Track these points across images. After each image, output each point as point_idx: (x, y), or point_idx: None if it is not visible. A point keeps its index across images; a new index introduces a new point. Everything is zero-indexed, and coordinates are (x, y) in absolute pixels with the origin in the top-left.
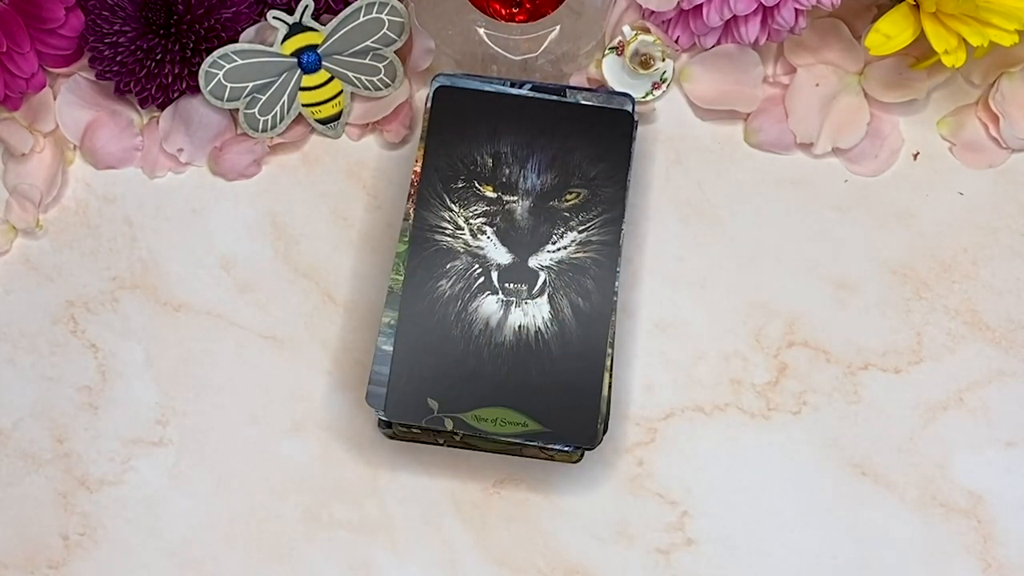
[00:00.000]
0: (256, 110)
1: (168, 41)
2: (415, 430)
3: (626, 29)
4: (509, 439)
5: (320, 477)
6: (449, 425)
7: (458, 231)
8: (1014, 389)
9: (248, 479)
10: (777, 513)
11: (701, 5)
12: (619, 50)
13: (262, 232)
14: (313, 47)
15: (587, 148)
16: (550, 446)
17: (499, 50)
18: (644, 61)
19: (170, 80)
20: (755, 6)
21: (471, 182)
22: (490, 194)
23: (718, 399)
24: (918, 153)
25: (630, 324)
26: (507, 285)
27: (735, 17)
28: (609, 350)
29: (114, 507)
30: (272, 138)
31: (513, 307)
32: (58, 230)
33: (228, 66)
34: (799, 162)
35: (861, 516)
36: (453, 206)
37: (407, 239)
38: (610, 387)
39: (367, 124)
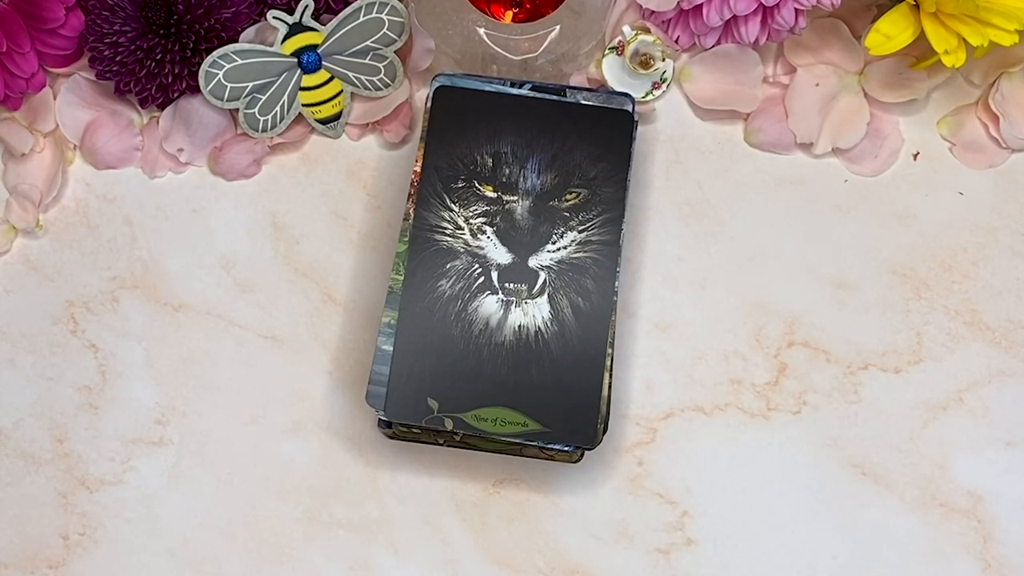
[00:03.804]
0: (256, 110)
1: (168, 41)
2: (415, 430)
3: (626, 29)
4: (509, 439)
5: (320, 477)
6: (449, 425)
7: (458, 231)
8: (1014, 389)
9: (248, 479)
10: (777, 513)
11: (701, 5)
12: (619, 50)
13: (262, 232)
14: (313, 47)
15: (587, 148)
16: (550, 446)
17: (499, 50)
18: (644, 61)
19: (170, 80)
20: (755, 6)
21: (471, 182)
22: (490, 194)
23: (718, 399)
24: (918, 153)
25: (630, 324)
26: (507, 285)
27: (735, 17)
28: (609, 350)
29: (114, 507)
30: (272, 138)
31: (513, 307)
32: (58, 230)
33: (228, 66)
34: (799, 162)
35: (861, 516)
36: (453, 206)
37: (407, 239)
38: (610, 387)
39: (367, 124)
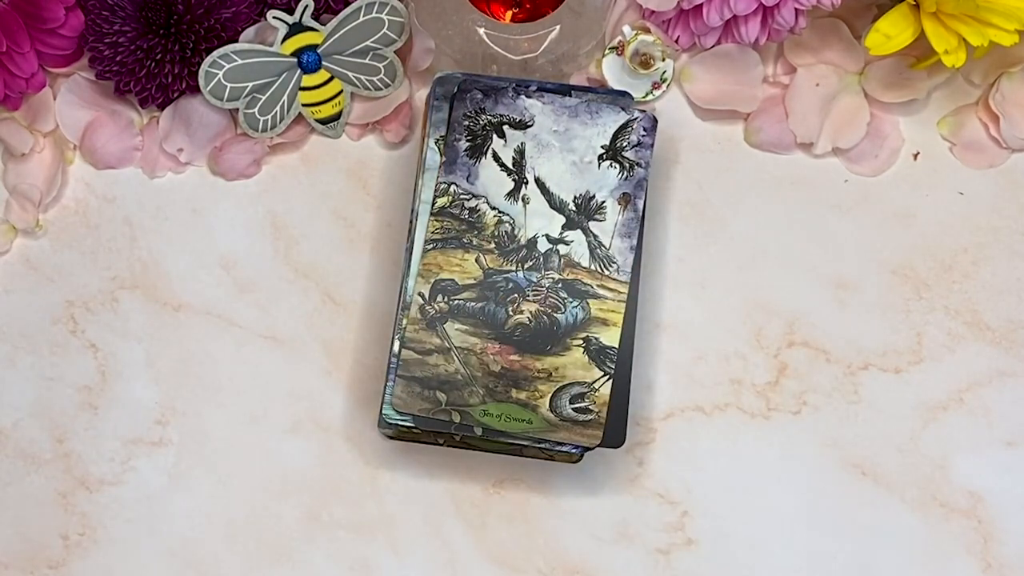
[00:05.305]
0: (256, 110)
1: (168, 41)
2: (415, 430)
3: (626, 29)
4: (514, 438)
5: (320, 477)
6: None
7: None
8: (1014, 389)
9: (248, 479)
10: (777, 513)
11: (701, 5)
12: (619, 50)
13: (262, 232)
14: (313, 47)
15: None
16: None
17: (499, 50)
18: (644, 61)
19: (170, 80)
20: (755, 6)
21: None
22: None
23: (718, 399)
24: (918, 153)
25: None
26: None
27: (735, 17)
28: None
29: (114, 507)
30: (272, 138)
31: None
32: (58, 230)
33: (228, 66)
34: (799, 162)
35: (861, 516)
36: None
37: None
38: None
39: (367, 124)
